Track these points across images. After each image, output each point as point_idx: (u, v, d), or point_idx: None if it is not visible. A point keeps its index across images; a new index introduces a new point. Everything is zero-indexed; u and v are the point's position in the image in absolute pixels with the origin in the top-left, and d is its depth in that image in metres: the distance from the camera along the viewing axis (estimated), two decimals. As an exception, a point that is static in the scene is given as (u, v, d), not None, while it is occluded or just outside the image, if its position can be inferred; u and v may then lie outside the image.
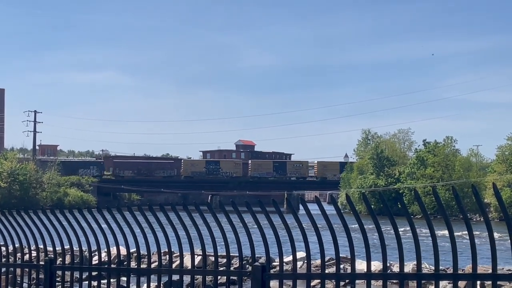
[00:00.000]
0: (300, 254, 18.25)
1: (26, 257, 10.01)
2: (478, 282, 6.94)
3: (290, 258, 9.13)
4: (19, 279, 10.02)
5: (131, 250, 9.03)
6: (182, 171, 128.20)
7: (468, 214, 6.92)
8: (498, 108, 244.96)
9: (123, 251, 9.12)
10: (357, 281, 7.42)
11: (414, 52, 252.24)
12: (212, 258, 8.30)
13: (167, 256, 8.66)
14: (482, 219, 6.81)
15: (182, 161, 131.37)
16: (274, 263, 17.54)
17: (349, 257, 7.44)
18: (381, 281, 7.12)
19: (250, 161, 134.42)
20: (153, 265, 8.96)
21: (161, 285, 8.58)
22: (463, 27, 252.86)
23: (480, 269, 7.12)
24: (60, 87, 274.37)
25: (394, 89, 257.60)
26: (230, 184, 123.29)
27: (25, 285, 10.00)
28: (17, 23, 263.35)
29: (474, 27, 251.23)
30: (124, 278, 8.90)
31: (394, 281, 7.46)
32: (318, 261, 16.02)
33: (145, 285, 8.56)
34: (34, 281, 9.91)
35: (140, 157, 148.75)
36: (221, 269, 8.46)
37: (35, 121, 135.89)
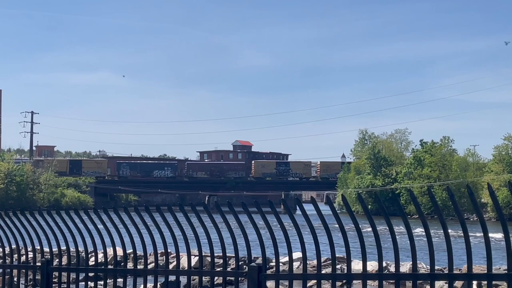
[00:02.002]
0: (297, 254, 18.25)
1: (23, 258, 10.02)
2: (474, 282, 6.96)
3: (287, 258, 9.14)
4: (15, 280, 10.03)
5: (128, 251, 9.04)
6: (253, 172, 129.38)
7: (465, 214, 6.97)
8: (495, 108, 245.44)
9: (120, 252, 9.13)
10: (353, 282, 7.44)
11: (410, 52, 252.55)
12: (209, 259, 8.31)
13: (164, 257, 8.67)
14: (478, 219, 6.83)
15: (253, 162, 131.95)
16: (270, 264, 17.58)
17: (346, 257, 7.46)
18: (377, 281, 7.14)
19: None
20: (149, 266, 8.96)
21: (158, 286, 8.59)
22: (459, 27, 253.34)
23: (476, 269, 7.15)
24: (56, 88, 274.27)
25: (390, 89, 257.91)
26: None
27: (21, 286, 10.00)
28: (13, 24, 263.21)
29: (470, 27, 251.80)
30: (121, 279, 8.91)
31: (391, 281, 7.49)
32: (315, 262, 16.03)
33: (142, 286, 8.57)
34: (31, 282, 9.92)
35: (212, 162, 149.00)
36: (218, 269, 8.46)
37: (32, 122, 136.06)
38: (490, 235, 6.64)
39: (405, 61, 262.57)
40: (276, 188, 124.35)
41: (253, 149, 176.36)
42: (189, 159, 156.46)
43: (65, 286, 9.26)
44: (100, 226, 8.94)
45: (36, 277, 9.76)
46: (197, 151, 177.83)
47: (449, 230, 6.81)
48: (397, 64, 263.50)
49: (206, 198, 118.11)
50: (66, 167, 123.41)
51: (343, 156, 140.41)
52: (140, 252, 8.94)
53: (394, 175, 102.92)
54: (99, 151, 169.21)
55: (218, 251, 8.35)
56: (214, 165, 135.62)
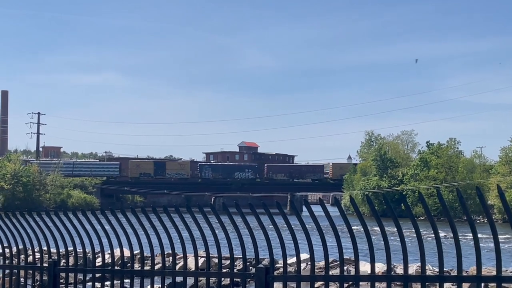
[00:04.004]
0: (304, 255, 18.22)
1: (30, 259, 10.02)
2: (482, 284, 6.91)
3: (294, 260, 9.12)
4: (22, 281, 10.03)
5: (135, 252, 9.02)
6: (330, 173, 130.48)
7: (472, 216, 6.91)
8: (501, 110, 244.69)
9: (127, 253, 9.12)
10: (361, 283, 7.41)
11: (416, 53, 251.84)
12: (216, 260, 8.29)
13: (171, 258, 8.65)
14: (485, 221, 6.80)
15: (331, 164, 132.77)
16: (277, 265, 17.56)
17: (353, 258, 7.43)
18: (385, 283, 7.11)
19: (266, 165, 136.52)
20: (156, 267, 8.96)
21: (165, 287, 8.57)
22: (465, 28, 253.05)
23: (484, 271, 7.10)
24: (61, 88, 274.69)
25: (396, 90, 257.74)
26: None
27: (28, 287, 10.01)
28: (17, 25, 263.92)
29: (476, 28, 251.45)
30: (128, 280, 8.90)
31: (398, 283, 7.45)
32: (322, 263, 16.00)
33: (149, 287, 8.56)
34: (38, 283, 9.92)
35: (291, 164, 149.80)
36: (225, 271, 8.45)
37: (38, 123, 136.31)
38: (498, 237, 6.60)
39: (411, 62, 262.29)
40: (283, 190, 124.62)
41: (259, 150, 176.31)
42: (194, 160, 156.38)
43: (72, 286, 9.26)
44: (107, 227, 8.93)
45: (43, 278, 9.76)
46: (203, 152, 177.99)
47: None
48: (403, 65, 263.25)
49: (212, 199, 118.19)
50: (151, 169, 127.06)
51: (350, 157, 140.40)
52: (147, 253, 8.93)
53: (401, 177, 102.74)
54: (106, 152, 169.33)
55: (225, 252, 8.33)
56: (293, 167, 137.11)
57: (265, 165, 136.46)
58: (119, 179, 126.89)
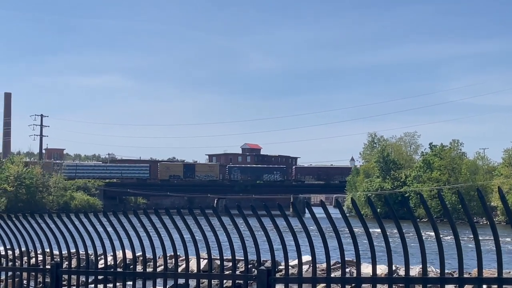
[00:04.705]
0: (306, 257, 18.22)
1: (33, 261, 10.04)
2: (484, 286, 6.92)
3: (296, 261, 9.13)
4: (25, 283, 10.05)
5: (137, 254, 9.05)
6: None
7: (475, 218, 6.93)
8: (504, 112, 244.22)
9: (129, 255, 9.14)
10: (363, 285, 7.42)
11: (419, 55, 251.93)
12: (218, 262, 8.30)
13: (173, 259, 8.67)
14: (488, 223, 6.79)
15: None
16: (279, 267, 17.55)
17: (355, 260, 7.44)
18: (387, 285, 7.11)
19: (294, 167, 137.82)
20: (159, 269, 8.97)
21: (167, 288, 8.58)
22: (468, 30, 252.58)
23: (486, 273, 7.11)
24: (64, 90, 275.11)
25: (399, 92, 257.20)
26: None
27: (31, 289, 10.02)
28: (21, 27, 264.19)
29: (479, 30, 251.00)
30: (130, 282, 8.92)
31: (400, 285, 7.45)
32: (324, 265, 16.00)
33: (151, 288, 8.57)
34: (41, 285, 9.93)
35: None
36: (227, 272, 8.46)
37: (41, 125, 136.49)
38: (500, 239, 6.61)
39: (414, 64, 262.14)
40: (284, 191, 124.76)
41: (261, 152, 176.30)
42: (197, 162, 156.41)
43: (75, 288, 9.27)
44: (110, 229, 8.95)
45: (46, 280, 9.78)
46: (206, 154, 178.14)
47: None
48: (405, 67, 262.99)
49: (215, 201, 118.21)
50: (181, 171, 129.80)
51: (352, 159, 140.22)
52: (149, 255, 8.95)
53: (403, 179, 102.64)
54: (108, 154, 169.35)
55: (227, 254, 8.34)
56: (321, 169, 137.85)
57: (293, 167, 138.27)
58: (149, 181, 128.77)
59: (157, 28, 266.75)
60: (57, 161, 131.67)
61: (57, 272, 9.25)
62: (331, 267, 7.63)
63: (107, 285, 9.35)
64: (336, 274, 13.21)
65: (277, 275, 7.92)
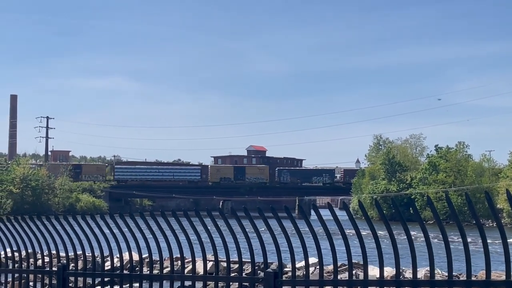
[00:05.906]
0: (312, 260, 18.20)
1: (39, 262, 10.05)
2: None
3: (302, 264, 9.12)
4: (32, 285, 10.05)
5: (144, 256, 9.04)
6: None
7: (481, 220, 6.90)
8: (510, 113, 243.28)
9: (136, 256, 9.13)
10: (369, 287, 7.40)
11: (424, 57, 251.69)
12: (224, 264, 8.30)
13: (179, 262, 8.66)
14: (495, 225, 6.77)
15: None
16: (286, 269, 17.53)
17: (362, 263, 7.42)
18: (394, 287, 7.09)
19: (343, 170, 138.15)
20: (165, 271, 8.97)
21: (173, 291, 8.56)
22: (473, 32, 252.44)
23: (494, 275, 7.08)
24: (70, 93, 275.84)
25: (405, 94, 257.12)
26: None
27: (37, 290, 10.02)
28: (27, 30, 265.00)
29: (484, 32, 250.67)
30: (137, 284, 8.91)
31: (407, 287, 7.43)
32: (331, 267, 15.96)
33: (157, 291, 8.56)
34: (47, 287, 9.94)
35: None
36: (233, 275, 8.45)
37: (47, 127, 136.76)
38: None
39: (419, 66, 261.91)
40: (291, 193, 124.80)
41: (267, 154, 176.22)
42: (203, 164, 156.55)
43: (81, 290, 9.27)
44: (116, 231, 8.95)
45: (52, 282, 9.79)
46: (211, 156, 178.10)
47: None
48: (411, 69, 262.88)
49: (220, 203, 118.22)
50: (231, 173, 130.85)
51: (358, 161, 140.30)
52: (155, 257, 8.94)
53: (409, 181, 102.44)
54: (114, 156, 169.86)
55: (233, 257, 8.33)
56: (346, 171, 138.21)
57: (342, 170, 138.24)
58: (200, 183, 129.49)
59: (163, 30, 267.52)
60: (107, 164, 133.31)
61: (64, 274, 9.25)
62: (338, 269, 7.62)
63: (114, 287, 9.34)
64: (343, 276, 13.18)
65: (284, 277, 7.90)
